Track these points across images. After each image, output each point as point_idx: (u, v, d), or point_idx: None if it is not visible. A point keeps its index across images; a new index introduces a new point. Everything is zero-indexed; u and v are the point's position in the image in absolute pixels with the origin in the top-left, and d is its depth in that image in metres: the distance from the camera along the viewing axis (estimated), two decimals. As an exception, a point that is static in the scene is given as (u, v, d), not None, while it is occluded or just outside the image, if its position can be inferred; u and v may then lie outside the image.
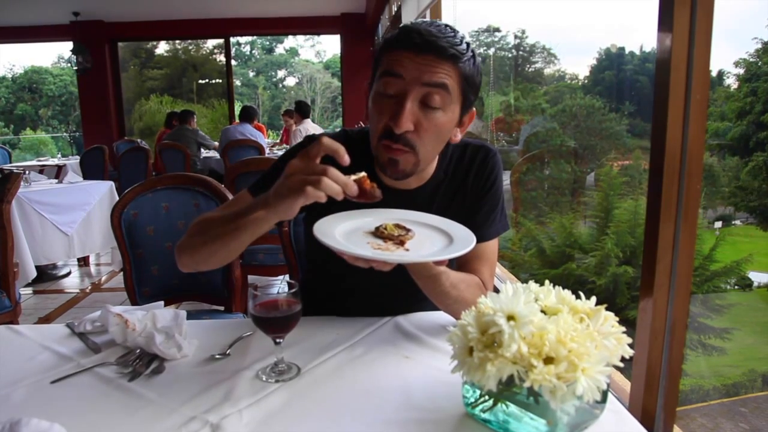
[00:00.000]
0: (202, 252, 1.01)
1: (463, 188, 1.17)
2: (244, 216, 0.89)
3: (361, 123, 6.84)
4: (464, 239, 0.90)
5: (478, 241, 1.09)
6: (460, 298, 1.00)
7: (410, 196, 1.12)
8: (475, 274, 1.11)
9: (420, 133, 0.99)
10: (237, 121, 6.43)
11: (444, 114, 1.00)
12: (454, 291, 1.00)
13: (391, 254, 0.83)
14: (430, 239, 0.92)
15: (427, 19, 0.94)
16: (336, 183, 0.78)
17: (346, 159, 0.80)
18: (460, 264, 1.13)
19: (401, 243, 0.86)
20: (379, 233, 0.88)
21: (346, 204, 0.86)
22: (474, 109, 1.08)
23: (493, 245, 1.17)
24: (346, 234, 0.89)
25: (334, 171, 0.78)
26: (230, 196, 1.70)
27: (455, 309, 1.01)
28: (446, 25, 1.00)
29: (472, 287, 1.05)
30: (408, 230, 0.90)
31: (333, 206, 0.87)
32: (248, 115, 6.29)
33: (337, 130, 1.26)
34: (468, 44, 1.00)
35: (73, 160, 6.56)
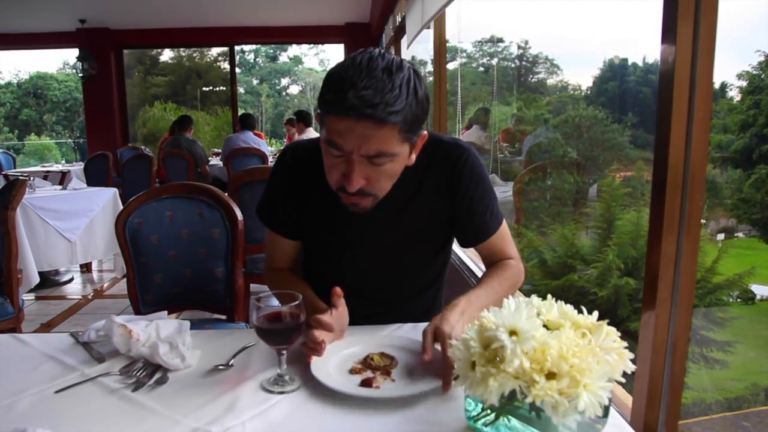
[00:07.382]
0: None
1: (437, 184, 1.20)
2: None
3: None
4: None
5: (488, 236, 1.22)
6: (499, 300, 0.99)
7: (371, 213, 1.12)
8: (504, 255, 1.25)
9: (373, 183, 1.03)
10: (239, 127, 6.43)
11: (393, 161, 1.01)
12: (490, 299, 1.08)
13: (376, 391, 0.89)
14: (411, 367, 0.99)
15: (368, 61, 0.90)
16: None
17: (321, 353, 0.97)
18: (486, 255, 1.26)
19: (387, 373, 0.95)
20: (367, 364, 0.98)
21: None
22: (425, 131, 1.06)
23: (504, 228, 1.26)
24: (339, 365, 0.98)
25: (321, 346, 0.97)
26: (234, 206, 1.72)
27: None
28: (384, 72, 0.94)
29: (504, 282, 1.17)
30: (392, 359, 1.00)
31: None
32: (249, 122, 6.29)
33: (316, 135, 1.31)
34: (408, 82, 0.95)
35: (77, 167, 6.59)
